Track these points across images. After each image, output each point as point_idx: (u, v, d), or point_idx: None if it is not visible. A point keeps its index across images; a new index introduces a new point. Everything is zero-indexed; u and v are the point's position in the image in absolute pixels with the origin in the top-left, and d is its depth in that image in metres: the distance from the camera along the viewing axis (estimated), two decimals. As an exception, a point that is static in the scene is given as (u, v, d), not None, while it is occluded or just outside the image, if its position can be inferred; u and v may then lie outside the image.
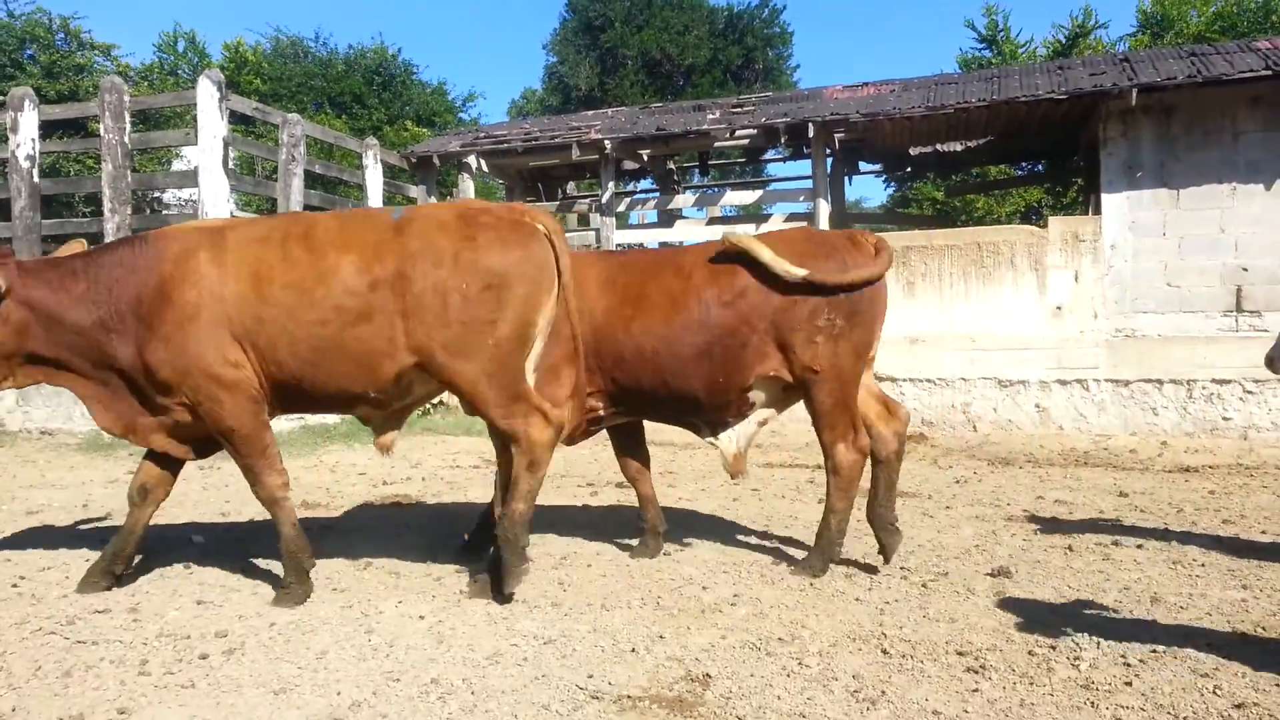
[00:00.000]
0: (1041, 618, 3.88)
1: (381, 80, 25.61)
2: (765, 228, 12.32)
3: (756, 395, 4.67)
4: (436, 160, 13.40)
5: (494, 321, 3.98)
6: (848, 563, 4.78)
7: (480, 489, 7.21)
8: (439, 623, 3.86)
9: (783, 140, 12.02)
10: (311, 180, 12.39)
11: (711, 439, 4.82)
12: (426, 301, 3.94)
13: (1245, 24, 17.96)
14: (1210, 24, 18.52)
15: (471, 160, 13.40)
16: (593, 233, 13.40)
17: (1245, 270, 9.33)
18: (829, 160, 12.66)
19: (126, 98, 10.35)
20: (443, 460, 8.67)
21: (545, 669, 3.35)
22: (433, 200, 13.70)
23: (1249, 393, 9.18)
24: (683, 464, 8.51)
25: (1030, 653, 3.48)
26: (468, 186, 13.59)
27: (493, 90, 52.92)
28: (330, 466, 8.19)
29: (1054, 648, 3.51)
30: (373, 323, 3.98)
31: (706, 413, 4.70)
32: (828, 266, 4.44)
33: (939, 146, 13.20)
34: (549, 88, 31.05)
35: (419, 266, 3.96)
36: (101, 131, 10.26)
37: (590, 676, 3.28)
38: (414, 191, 14.10)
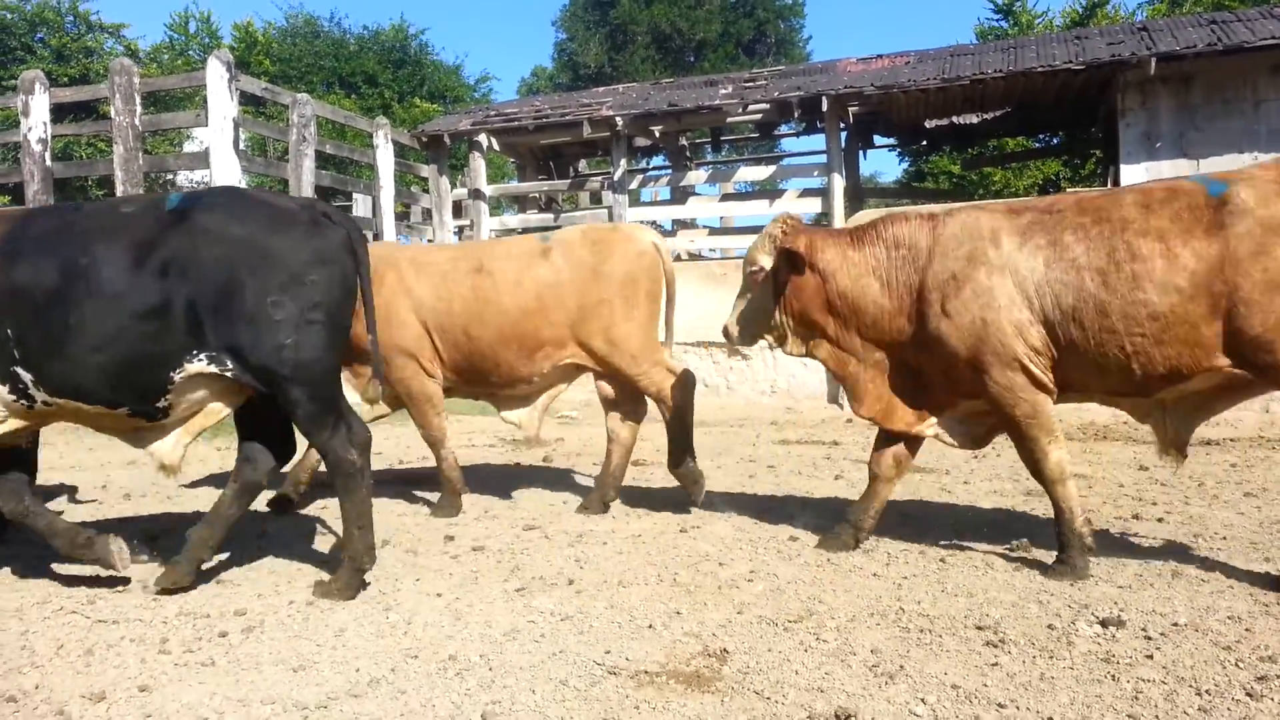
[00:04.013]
0: (1061, 591, 3.85)
1: (397, 59, 25.55)
2: (779, 203, 12.25)
3: None
4: (447, 139, 13.36)
5: None
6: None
7: (495, 468, 7.23)
8: (456, 600, 3.87)
9: (796, 114, 11.93)
10: (322, 160, 12.39)
11: None
12: None
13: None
14: (1233, -11, 18.18)
15: (483, 139, 13.36)
16: (605, 210, 13.35)
17: (1267, 241, 9.22)
18: (843, 134, 12.55)
19: (136, 80, 10.34)
20: (458, 440, 8.68)
21: (562, 645, 3.35)
22: (443, 180, 13.69)
23: (1270, 365, 9.10)
24: (699, 441, 8.49)
25: (1050, 626, 3.45)
26: (479, 165, 13.55)
27: (502, 69, 52.80)
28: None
29: (1074, 621, 3.49)
30: None
31: None
32: None
33: (955, 119, 13.06)
34: (559, 65, 30.92)
35: None
36: (112, 114, 10.27)
37: (607, 652, 3.28)
38: (425, 171, 14.08)
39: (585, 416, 10.17)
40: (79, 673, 3.16)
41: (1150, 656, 3.15)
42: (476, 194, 13.51)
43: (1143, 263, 3.79)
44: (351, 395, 5.36)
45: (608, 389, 5.52)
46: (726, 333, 4.66)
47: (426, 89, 25.02)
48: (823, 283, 4.41)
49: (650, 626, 3.53)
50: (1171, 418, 4.14)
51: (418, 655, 3.28)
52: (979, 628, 3.45)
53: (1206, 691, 2.88)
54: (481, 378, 5.55)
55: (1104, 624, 3.45)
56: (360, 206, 15.45)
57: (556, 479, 6.70)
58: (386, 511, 5.59)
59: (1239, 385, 3.97)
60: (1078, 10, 20.21)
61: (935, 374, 4.31)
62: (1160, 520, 5.10)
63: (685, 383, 5.44)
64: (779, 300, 4.50)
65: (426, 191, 14.10)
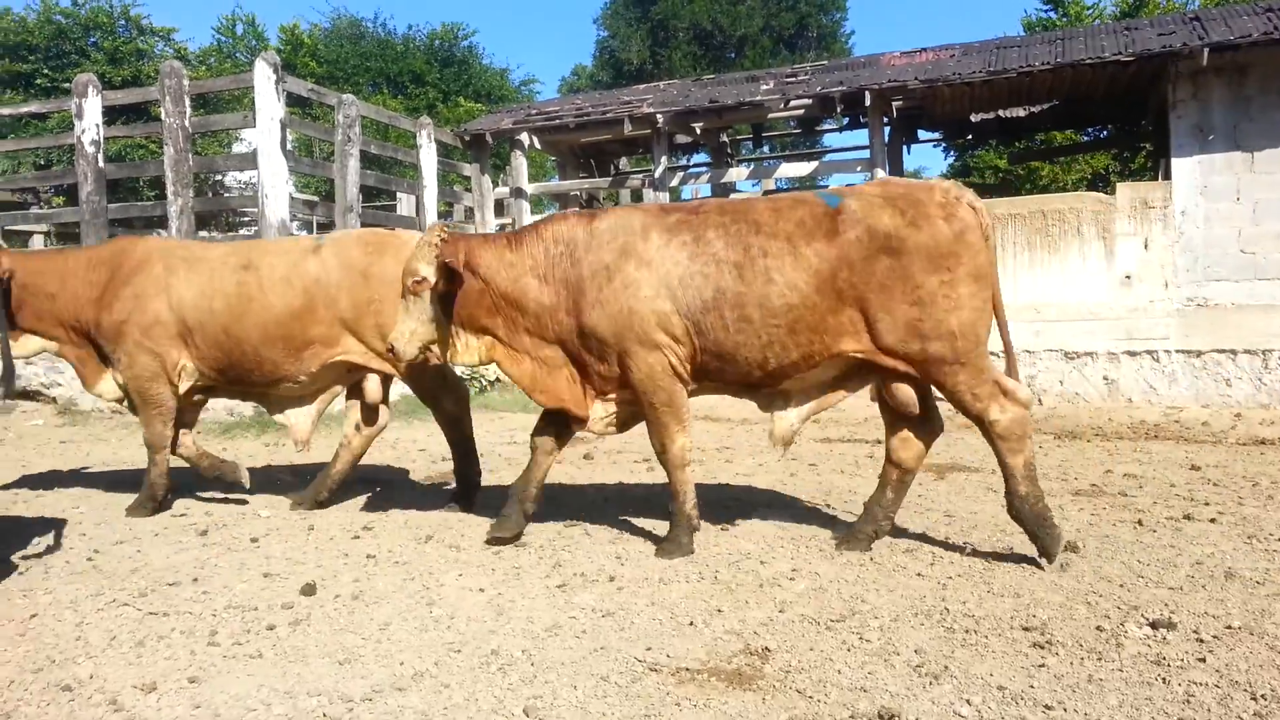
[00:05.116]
0: (1110, 593, 3.78)
1: (444, 58, 25.79)
2: (820, 199, 12.14)
3: None
4: (490, 138, 13.45)
5: None
6: (907, 537, 4.72)
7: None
8: (498, 595, 3.90)
9: (838, 110, 11.81)
10: (367, 160, 12.53)
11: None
12: None
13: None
14: (1288, -22, 17.66)
15: (524, 137, 13.42)
16: (646, 208, 13.33)
17: (1325, 235, 8.95)
18: (886, 129, 12.41)
19: (186, 82, 10.54)
20: (500, 437, 8.75)
21: (604, 641, 3.36)
22: (486, 178, 13.78)
23: (1329, 362, 8.84)
24: (740, 439, 8.48)
25: (1099, 628, 3.39)
26: (520, 164, 13.62)
27: (543, 67, 53.04)
28: (391, 443, 8.31)
29: (1123, 623, 3.42)
30: None
31: None
32: None
33: (1001, 112, 12.85)
34: (600, 63, 30.97)
35: None
36: (163, 115, 10.47)
37: (649, 649, 3.28)
38: (468, 170, 14.19)
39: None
40: (131, 664, 3.23)
41: (1203, 660, 3.08)
42: (518, 192, 13.59)
43: (775, 259, 4.23)
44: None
45: (373, 391, 5.60)
46: (393, 349, 4.56)
47: (472, 89, 25.22)
48: (485, 286, 4.48)
49: (691, 624, 3.53)
50: (793, 408, 4.54)
51: (460, 650, 3.31)
52: (1025, 629, 3.40)
53: (1262, 696, 2.81)
54: (244, 376, 5.53)
55: (1154, 626, 3.38)
56: (404, 206, 15.62)
57: (597, 476, 6.72)
58: (427, 506, 5.65)
59: (852, 378, 4.50)
60: (1127, 2, 19.78)
61: (594, 363, 4.50)
62: (1213, 521, 4.98)
63: (459, 392, 5.71)
64: (445, 309, 4.50)
65: (469, 190, 14.20)
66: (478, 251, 4.52)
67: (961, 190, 4.39)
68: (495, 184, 14.42)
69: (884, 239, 4.16)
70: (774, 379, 4.43)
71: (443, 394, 5.65)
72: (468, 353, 4.62)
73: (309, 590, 3.97)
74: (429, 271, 4.44)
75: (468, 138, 13.67)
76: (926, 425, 4.55)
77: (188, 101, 10.50)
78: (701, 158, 16.81)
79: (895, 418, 4.54)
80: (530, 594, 3.91)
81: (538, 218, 6.80)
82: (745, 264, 4.24)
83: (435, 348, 4.72)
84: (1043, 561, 4.17)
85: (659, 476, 6.60)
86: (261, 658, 3.26)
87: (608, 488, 6.23)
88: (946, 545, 4.57)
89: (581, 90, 28.29)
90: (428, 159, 13.14)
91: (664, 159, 12.66)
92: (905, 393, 4.39)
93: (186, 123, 10.48)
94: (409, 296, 4.51)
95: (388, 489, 6.35)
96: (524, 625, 3.54)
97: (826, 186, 12.83)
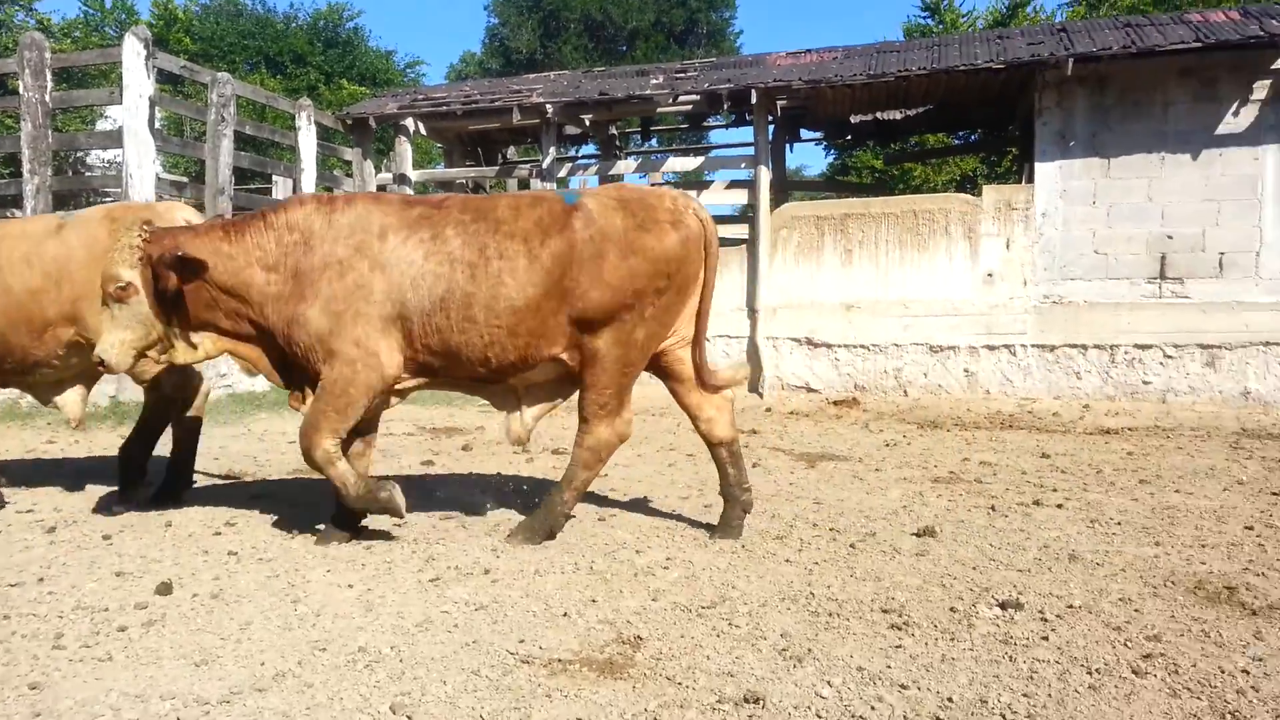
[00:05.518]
0: (964, 575, 3.98)
1: (327, 38, 24.98)
2: (706, 194, 12.32)
3: None
4: (373, 122, 13.12)
5: None
6: (780, 522, 4.84)
7: (414, 456, 7.15)
8: (368, 591, 3.82)
9: (725, 106, 11.98)
10: (242, 141, 12.04)
11: None
12: None
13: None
14: (1145, -5, 18.82)
15: (409, 123, 13.14)
16: (533, 198, 13.24)
17: (1170, 238, 9.60)
18: (771, 127, 12.66)
19: (48, 54, 9.91)
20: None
21: (476, 635, 3.34)
22: (368, 164, 13.44)
23: (1169, 357, 9.49)
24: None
25: (952, 609, 3.56)
26: (405, 150, 13.33)
27: (432, 53, 52.00)
28: (259, 435, 8.04)
29: (975, 604, 3.60)
30: None
31: None
32: None
33: (879, 115, 13.27)
34: (489, 50, 30.58)
35: None
36: (21, 89, 9.84)
37: (521, 641, 3.28)
38: (349, 154, 13.81)
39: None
40: (-35, 670, 3.03)
41: (1046, 638, 3.27)
42: (402, 179, 13.29)
43: (508, 261, 4.27)
44: None
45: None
46: (103, 361, 4.31)
47: (356, 71, 24.51)
48: (201, 282, 4.33)
49: (565, 615, 3.54)
50: (524, 406, 4.61)
51: (326, 648, 3.23)
52: (885, 611, 3.54)
53: (1096, 670, 3.00)
54: None
55: (1003, 606, 3.57)
56: (280, 189, 15.07)
57: (475, 468, 6.66)
58: (296, 501, 5.49)
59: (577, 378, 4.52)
60: (1000, 10, 20.72)
61: (300, 353, 4.41)
62: (1059, 506, 5.30)
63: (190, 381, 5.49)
64: (159, 310, 4.31)
65: (350, 175, 13.82)
66: (188, 246, 4.26)
67: (689, 200, 4.56)
68: (378, 169, 14.07)
69: (615, 241, 4.28)
70: (498, 376, 4.48)
71: (173, 387, 5.41)
72: (190, 351, 4.43)
73: (165, 589, 3.79)
74: (131, 275, 4.21)
75: (350, 121, 13.31)
76: (716, 392, 4.71)
77: (49, 75, 9.88)
78: (590, 149, 16.80)
79: (695, 404, 4.69)
80: (402, 589, 3.85)
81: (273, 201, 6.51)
82: (479, 264, 4.26)
83: (153, 352, 4.45)
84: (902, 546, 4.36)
85: (539, 468, 6.61)
86: (111, 661, 3.11)
87: (485, 479, 6.18)
88: (814, 532, 4.72)
89: (470, 77, 27.86)
90: (306, 142, 12.72)
91: (552, 150, 12.60)
92: (689, 374, 4.60)
93: (47, 98, 9.86)
94: (113, 304, 4.24)
95: (254, 484, 6.14)
96: (394, 621, 3.48)
97: (711, 181, 13.02)
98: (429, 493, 5.67)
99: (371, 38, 33.29)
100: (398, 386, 4.54)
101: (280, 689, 2.91)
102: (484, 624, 3.45)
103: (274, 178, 15.14)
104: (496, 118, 12.84)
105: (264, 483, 6.22)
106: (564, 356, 4.41)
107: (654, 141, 17.74)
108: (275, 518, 5.07)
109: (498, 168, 15.11)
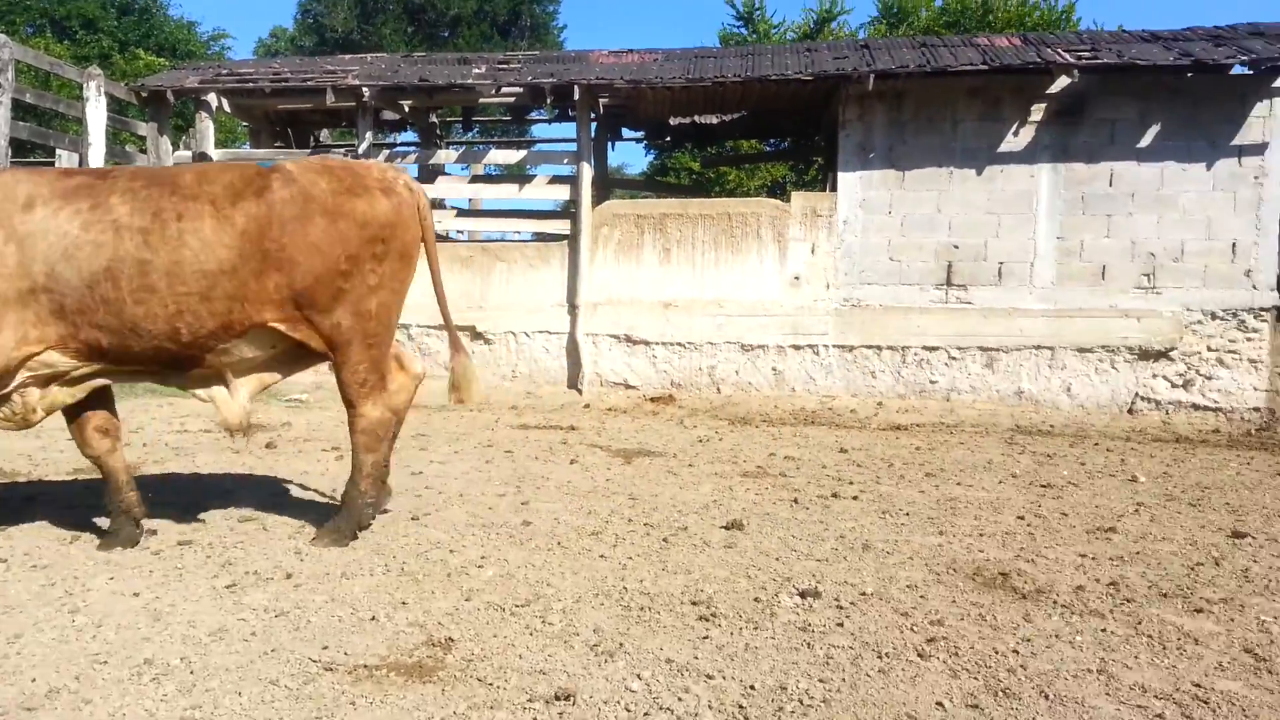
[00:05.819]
0: (768, 566, 4.17)
1: (122, 4, 22.99)
2: (529, 188, 12.27)
3: None
4: (171, 96, 12.19)
5: None
6: (594, 518, 4.90)
7: (210, 455, 6.74)
8: (156, 599, 3.57)
9: (549, 100, 11.94)
10: (21, 111, 10.92)
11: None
12: None
13: (969, 21, 19.77)
14: (937, 18, 20.26)
15: (212, 99, 12.30)
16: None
17: (956, 248, 10.38)
18: (593, 124, 12.73)
19: None
20: (168, 425, 8.01)
21: (275, 643, 3.19)
22: (164, 140, 12.51)
23: (953, 359, 10.27)
24: (437, 426, 8.38)
25: (756, 599, 3.72)
26: (207, 127, 12.48)
27: (237, 26, 48.94)
28: (34, 431, 7.32)
29: (778, 594, 3.79)
30: None
31: None
32: None
33: (697, 118, 13.62)
34: (302, 27, 29.14)
35: None
36: None
37: (325, 648, 3.16)
38: (143, 129, 12.79)
39: (316, 400, 9.71)
40: None
41: (841, 625, 3.48)
42: (202, 157, 12.43)
43: (191, 221, 4.08)
44: None
45: None
46: None
47: (154, 41, 22.71)
48: None
49: (373, 618, 3.44)
50: (235, 390, 4.44)
51: (108, 660, 3.00)
52: (694, 603, 3.66)
53: (886, 654, 3.22)
54: None
55: (803, 595, 3.77)
56: (64, 163, 13.77)
57: (280, 467, 6.35)
58: (75, 503, 5.05)
59: (297, 356, 4.48)
60: (809, 25, 21.74)
61: None
62: (855, 498, 5.64)
63: None
64: None
65: (144, 152, 12.81)
66: None
67: (399, 171, 4.59)
68: (176, 147, 13.11)
69: (319, 202, 4.20)
70: (192, 354, 4.22)
71: None
72: None
73: (-85, 605, 3.41)
74: None
75: (145, 94, 12.31)
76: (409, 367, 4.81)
77: None
78: (409, 137, 16.32)
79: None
80: (194, 596, 3.62)
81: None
82: (153, 229, 4.03)
83: None
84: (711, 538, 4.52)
85: (348, 466, 6.36)
86: None
87: (290, 478, 5.90)
88: (629, 527, 4.81)
89: (281, 54, 26.42)
90: (95, 114, 11.68)
91: (369, 135, 12.15)
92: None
93: None
94: None
95: (28, 484, 5.61)
96: (185, 630, 3.27)
97: (534, 175, 12.97)
98: (227, 493, 5.36)
99: (172, 6, 31.06)
100: (67, 374, 4.13)
101: (53, 706, 2.69)
102: (284, 631, 3.31)
103: (58, 151, 13.82)
104: (309, 98, 12.24)
105: (40, 483, 5.70)
106: (279, 326, 4.22)
107: (475, 132, 17.46)
108: (51, 522, 4.65)
109: (310, 151, 14.43)
